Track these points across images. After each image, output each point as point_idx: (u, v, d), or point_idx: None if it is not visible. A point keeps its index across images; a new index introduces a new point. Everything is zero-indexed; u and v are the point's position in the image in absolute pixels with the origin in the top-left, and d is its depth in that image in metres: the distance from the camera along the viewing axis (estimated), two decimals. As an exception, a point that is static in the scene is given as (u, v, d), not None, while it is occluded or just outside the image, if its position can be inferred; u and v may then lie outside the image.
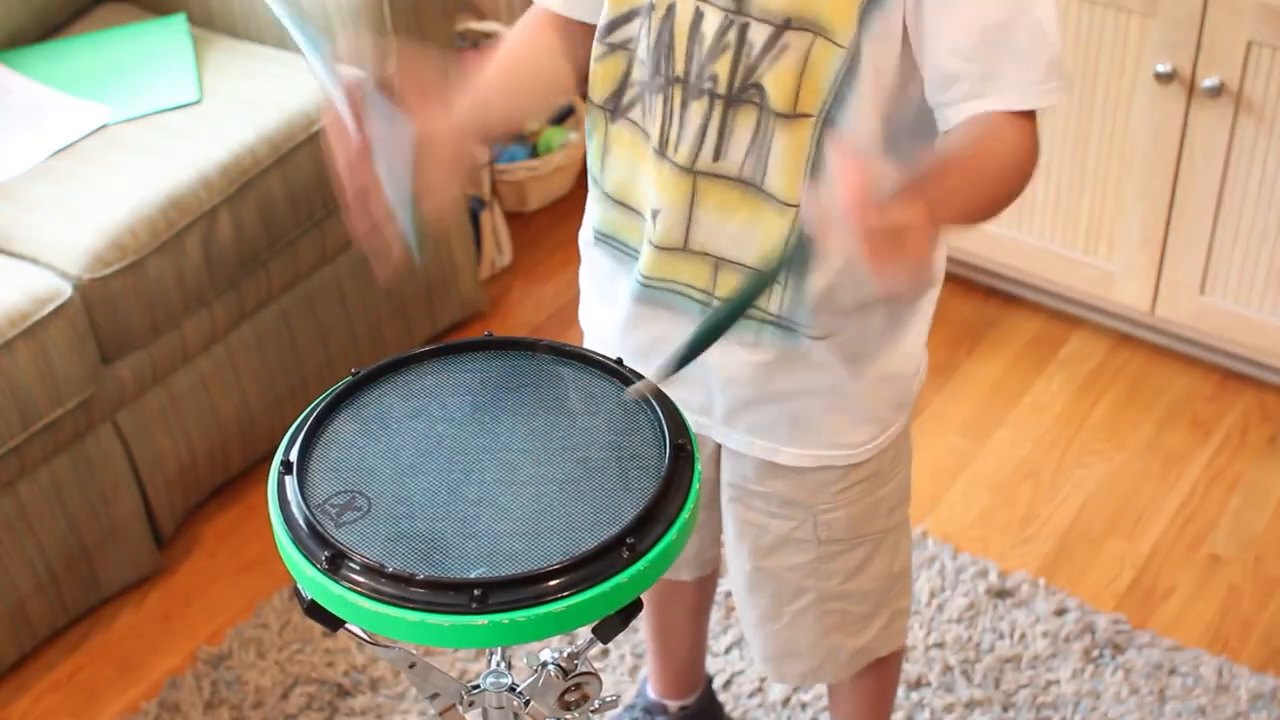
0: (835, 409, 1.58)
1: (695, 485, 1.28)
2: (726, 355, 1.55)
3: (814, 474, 1.63)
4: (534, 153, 3.14)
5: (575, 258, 1.71)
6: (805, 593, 1.74)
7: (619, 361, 1.39)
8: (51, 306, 2.20)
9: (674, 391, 1.59)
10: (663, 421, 1.32)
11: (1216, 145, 2.45)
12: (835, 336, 1.53)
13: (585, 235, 1.65)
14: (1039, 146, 1.41)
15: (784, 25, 1.37)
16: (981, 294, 2.91)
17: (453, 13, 2.66)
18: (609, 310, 1.64)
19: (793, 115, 1.40)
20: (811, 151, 1.42)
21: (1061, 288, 2.79)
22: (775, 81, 1.39)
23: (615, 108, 1.50)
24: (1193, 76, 2.42)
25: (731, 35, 1.39)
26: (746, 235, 1.47)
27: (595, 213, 1.60)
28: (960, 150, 1.37)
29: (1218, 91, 2.40)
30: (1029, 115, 1.39)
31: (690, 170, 1.46)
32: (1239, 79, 2.38)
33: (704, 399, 1.61)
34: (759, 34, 1.37)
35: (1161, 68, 2.43)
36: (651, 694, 2.14)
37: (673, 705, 2.13)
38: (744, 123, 1.42)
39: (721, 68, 1.40)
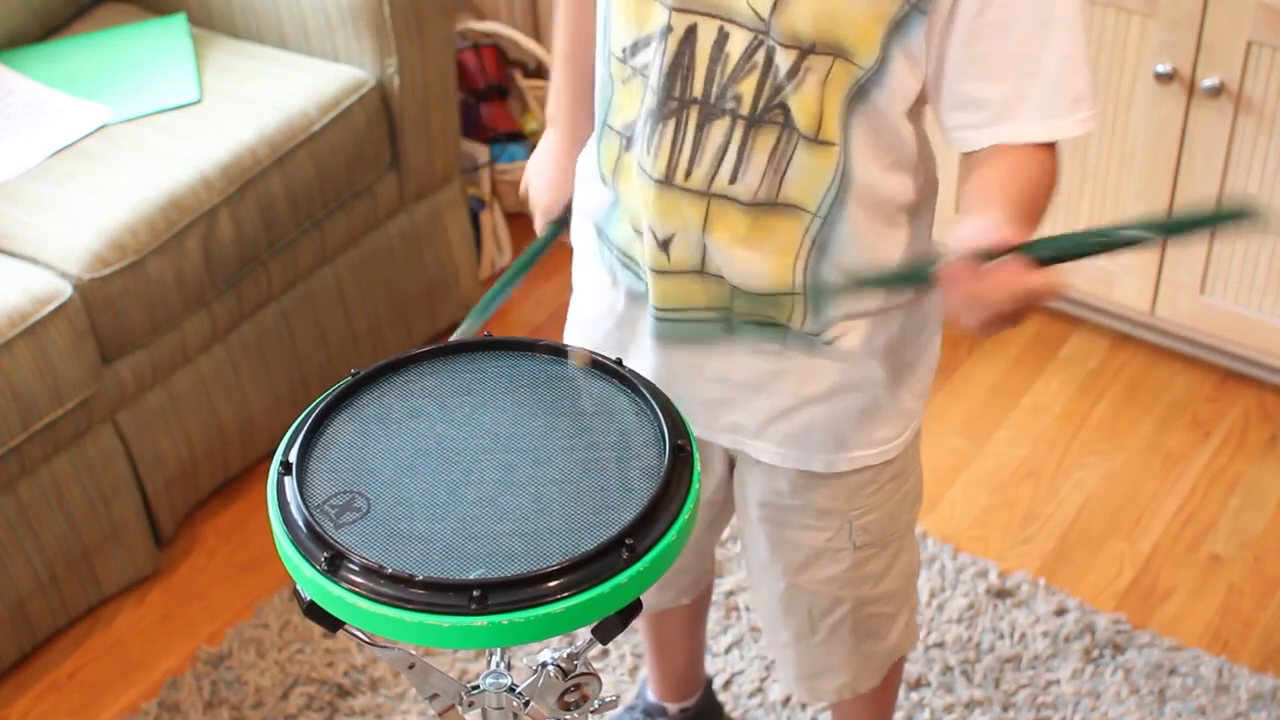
0: (867, 407, 1.58)
1: (695, 486, 1.28)
2: (754, 367, 1.55)
3: (849, 478, 1.63)
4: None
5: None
6: (841, 604, 1.73)
7: (618, 361, 1.39)
8: (51, 306, 2.20)
9: (704, 411, 1.58)
10: (662, 422, 1.32)
11: (1216, 145, 2.45)
12: (870, 339, 1.54)
13: (586, 251, 1.64)
14: (1061, 169, 1.44)
15: (809, 50, 1.36)
16: (981, 294, 2.91)
17: (452, 13, 2.66)
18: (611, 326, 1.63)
19: (815, 140, 1.40)
20: (838, 172, 1.41)
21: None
22: (800, 105, 1.38)
23: (630, 137, 1.48)
24: (1193, 76, 2.42)
25: (760, 55, 1.38)
26: (755, 262, 1.46)
27: (617, 234, 1.56)
28: (1019, 190, 1.39)
29: (1218, 91, 2.40)
30: (1052, 143, 1.41)
31: (705, 194, 1.44)
32: (1239, 79, 2.38)
33: (735, 415, 1.60)
34: (784, 59, 1.37)
35: (1161, 68, 2.43)
36: (651, 697, 2.14)
37: (672, 708, 2.13)
38: (764, 143, 1.41)
39: (747, 88, 1.39)
